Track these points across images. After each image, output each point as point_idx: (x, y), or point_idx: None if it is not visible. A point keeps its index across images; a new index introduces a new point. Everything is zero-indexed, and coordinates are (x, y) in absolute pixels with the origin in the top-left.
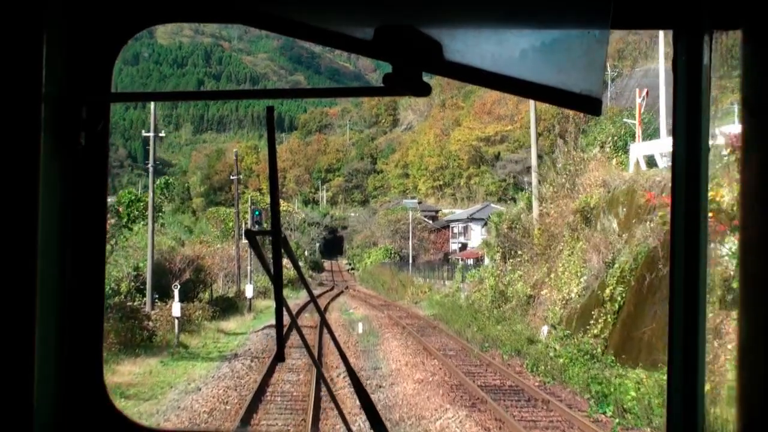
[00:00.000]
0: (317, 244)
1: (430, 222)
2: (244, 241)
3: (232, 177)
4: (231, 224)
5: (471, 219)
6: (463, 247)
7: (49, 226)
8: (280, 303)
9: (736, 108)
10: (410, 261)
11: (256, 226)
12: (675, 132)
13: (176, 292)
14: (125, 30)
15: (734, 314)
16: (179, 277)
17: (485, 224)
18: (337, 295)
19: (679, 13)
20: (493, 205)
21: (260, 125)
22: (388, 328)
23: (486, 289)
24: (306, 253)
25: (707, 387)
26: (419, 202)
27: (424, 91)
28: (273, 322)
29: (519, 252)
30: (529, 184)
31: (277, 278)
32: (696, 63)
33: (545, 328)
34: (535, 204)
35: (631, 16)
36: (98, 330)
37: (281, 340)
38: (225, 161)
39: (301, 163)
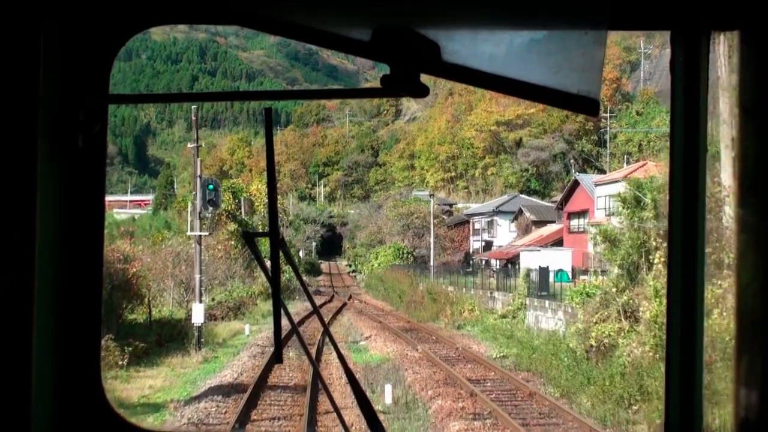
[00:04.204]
0: (314, 244)
1: (445, 217)
2: (191, 233)
3: (190, 145)
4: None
5: (497, 212)
6: (488, 245)
7: (47, 228)
8: (278, 304)
9: None
10: (431, 263)
11: (210, 208)
12: (673, 132)
13: None
14: (122, 32)
15: (732, 313)
16: None
17: (515, 218)
18: (340, 309)
19: (677, 13)
20: (522, 196)
21: (256, 122)
22: (441, 392)
23: (638, 319)
24: (301, 253)
25: (705, 386)
26: (431, 195)
27: (422, 92)
28: (232, 374)
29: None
30: (557, 175)
31: (275, 280)
32: (694, 64)
33: None
34: (727, 155)
35: (629, 16)
36: (96, 332)
37: (279, 341)
38: (215, 155)
39: (297, 157)
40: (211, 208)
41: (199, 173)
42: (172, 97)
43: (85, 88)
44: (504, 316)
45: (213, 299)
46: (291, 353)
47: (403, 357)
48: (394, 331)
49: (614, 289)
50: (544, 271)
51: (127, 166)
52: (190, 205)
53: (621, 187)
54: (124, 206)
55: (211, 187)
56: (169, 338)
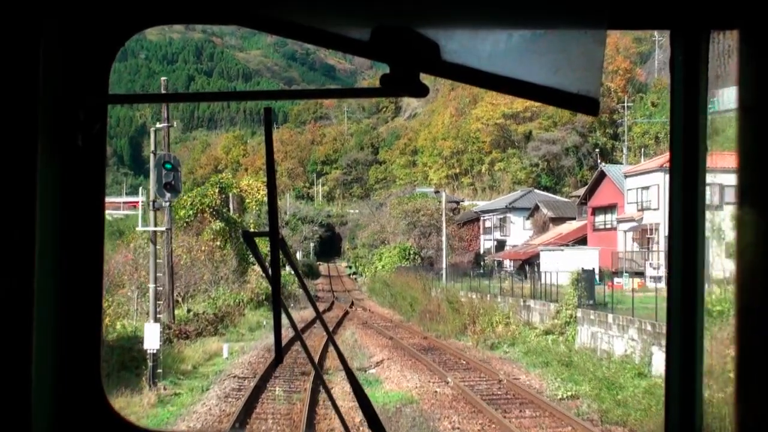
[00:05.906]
0: (311, 244)
1: (452, 214)
2: (142, 228)
3: (158, 126)
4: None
5: (510, 209)
6: (500, 245)
7: (47, 228)
8: (278, 304)
9: None
10: (444, 265)
11: (168, 195)
12: (672, 131)
13: None
14: (122, 32)
15: (732, 315)
16: None
17: (531, 215)
18: (341, 320)
19: (677, 13)
20: (537, 191)
21: (253, 122)
22: None
23: None
24: (299, 254)
25: (705, 388)
26: (436, 191)
27: (422, 92)
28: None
29: None
30: (569, 170)
31: (275, 280)
32: (693, 63)
33: None
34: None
35: (629, 15)
36: (96, 331)
37: (279, 341)
38: (210, 154)
39: (294, 155)
40: (168, 195)
41: (153, 149)
42: (171, 97)
43: (85, 88)
44: (548, 333)
45: (189, 310)
46: (278, 390)
47: (430, 396)
48: (411, 351)
49: None
50: (589, 275)
51: (122, 168)
52: (140, 192)
53: (658, 179)
54: (118, 208)
55: (168, 166)
56: (120, 365)
